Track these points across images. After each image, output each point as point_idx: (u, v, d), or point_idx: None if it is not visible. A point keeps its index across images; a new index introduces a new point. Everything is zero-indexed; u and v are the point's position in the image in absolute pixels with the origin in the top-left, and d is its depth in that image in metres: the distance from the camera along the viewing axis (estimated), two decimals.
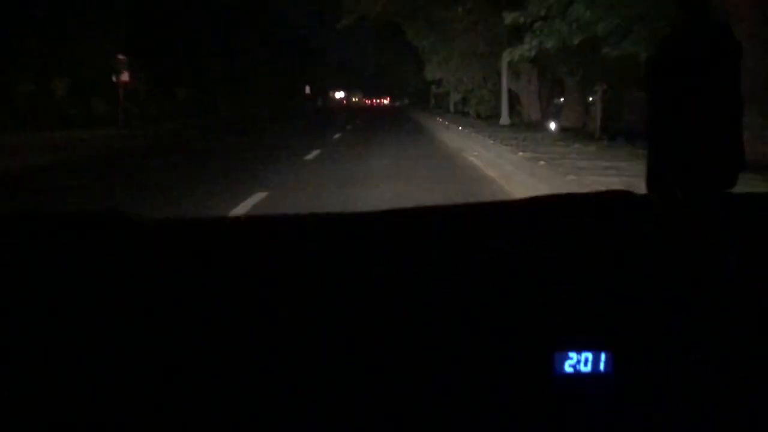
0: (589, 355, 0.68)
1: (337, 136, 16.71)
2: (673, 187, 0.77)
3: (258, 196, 6.36)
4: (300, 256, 0.72)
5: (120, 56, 20.05)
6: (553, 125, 16.11)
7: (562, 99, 18.95)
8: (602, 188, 0.87)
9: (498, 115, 19.81)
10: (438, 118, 24.91)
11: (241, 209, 5.71)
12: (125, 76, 20.33)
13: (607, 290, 0.69)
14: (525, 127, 17.88)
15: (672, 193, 0.77)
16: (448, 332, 0.66)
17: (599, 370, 0.68)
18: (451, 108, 30.59)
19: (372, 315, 0.67)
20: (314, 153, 11.30)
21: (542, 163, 8.45)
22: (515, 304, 0.68)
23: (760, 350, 0.67)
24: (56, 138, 15.29)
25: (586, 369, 0.68)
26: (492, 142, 12.41)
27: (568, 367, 0.68)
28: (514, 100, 20.47)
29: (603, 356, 0.68)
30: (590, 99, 15.45)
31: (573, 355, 0.67)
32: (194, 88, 29.01)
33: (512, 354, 0.66)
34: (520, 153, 9.94)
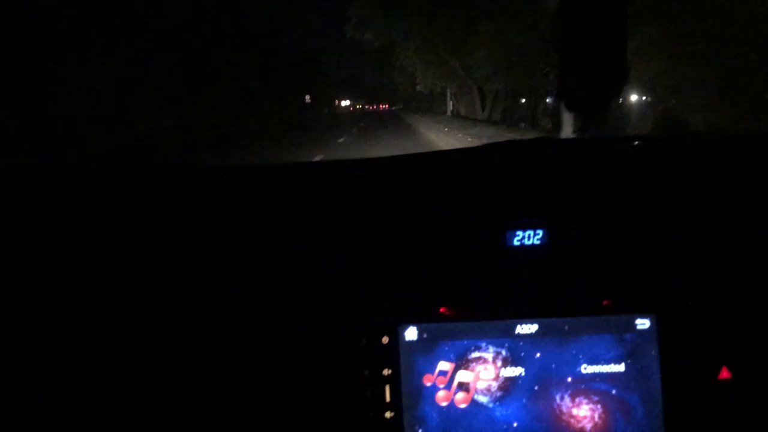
0: (531, 232, 0.94)
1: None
2: (576, 92, 1.00)
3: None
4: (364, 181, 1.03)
5: None
6: None
7: None
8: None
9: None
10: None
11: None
12: None
13: (544, 190, 0.96)
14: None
15: (576, 99, 1.01)
16: (445, 223, 0.96)
17: (537, 243, 0.94)
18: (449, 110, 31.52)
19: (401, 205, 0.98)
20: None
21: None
22: (481, 199, 0.97)
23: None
24: None
25: (528, 242, 0.94)
26: None
27: (516, 241, 0.95)
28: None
29: (540, 233, 0.94)
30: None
31: (519, 232, 0.95)
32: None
33: (480, 232, 0.95)
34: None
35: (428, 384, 0.92)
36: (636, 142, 1.08)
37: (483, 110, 23.40)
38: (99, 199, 1.01)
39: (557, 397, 0.92)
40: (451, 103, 32.07)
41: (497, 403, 0.92)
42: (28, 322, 0.96)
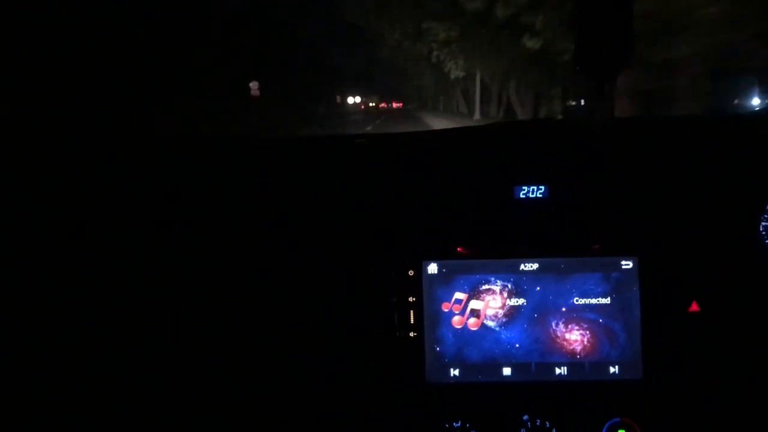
0: (534, 187, 1.12)
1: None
2: (592, 59, 1.18)
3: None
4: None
5: None
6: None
7: None
8: None
9: None
10: None
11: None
12: None
13: (546, 155, 1.15)
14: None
15: (593, 63, 1.19)
16: (464, 180, 1.15)
17: (540, 196, 1.12)
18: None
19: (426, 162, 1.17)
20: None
21: None
22: (492, 162, 1.16)
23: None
24: None
25: (532, 195, 1.12)
26: None
27: (522, 194, 1.13)
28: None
29: (543, 188, 1.12)
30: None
31: (525, 187, 1.13)
32: None
33: (494, 186, 1.14)
34: None
35: (446, 310, 1.11)
36: (618, 121, 1.27)
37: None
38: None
39: (553, 324, 1.10)
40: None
41: (503, 327, 1.10)
42: (28, 319, 1.11)
